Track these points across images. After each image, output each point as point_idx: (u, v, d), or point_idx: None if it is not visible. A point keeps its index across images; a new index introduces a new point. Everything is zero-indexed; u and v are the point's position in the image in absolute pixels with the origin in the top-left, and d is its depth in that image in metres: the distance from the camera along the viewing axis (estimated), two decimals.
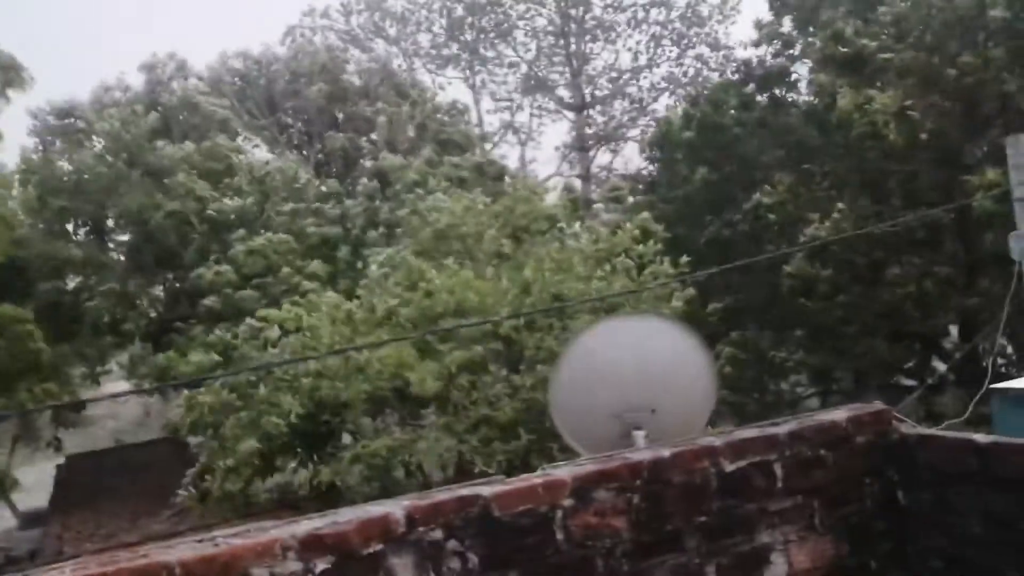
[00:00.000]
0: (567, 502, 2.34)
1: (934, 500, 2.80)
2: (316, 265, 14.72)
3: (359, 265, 14.28)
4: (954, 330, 14.41)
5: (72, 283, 20.88)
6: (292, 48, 27.35)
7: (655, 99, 33.16)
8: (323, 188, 20.95)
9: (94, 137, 21.92)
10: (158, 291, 22.43)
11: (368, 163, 22.51)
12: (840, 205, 12.76)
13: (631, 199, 20.99)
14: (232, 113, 23.98)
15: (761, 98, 15.21)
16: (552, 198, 20.67)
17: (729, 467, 2.59)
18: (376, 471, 8.90)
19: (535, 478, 2.36)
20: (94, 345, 20.53)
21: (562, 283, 9.33)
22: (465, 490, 2.26)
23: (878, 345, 12.46)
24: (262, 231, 18.21)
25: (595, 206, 27.05)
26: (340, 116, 25.60)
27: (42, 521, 19.46)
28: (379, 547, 2.09)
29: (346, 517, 2.12)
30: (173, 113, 23.04)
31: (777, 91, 15.49)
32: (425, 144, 22.56)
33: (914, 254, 12.23)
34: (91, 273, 20.67)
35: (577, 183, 31.68)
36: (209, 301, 17.02)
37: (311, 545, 2.02)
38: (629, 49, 33.80)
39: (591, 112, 34.21)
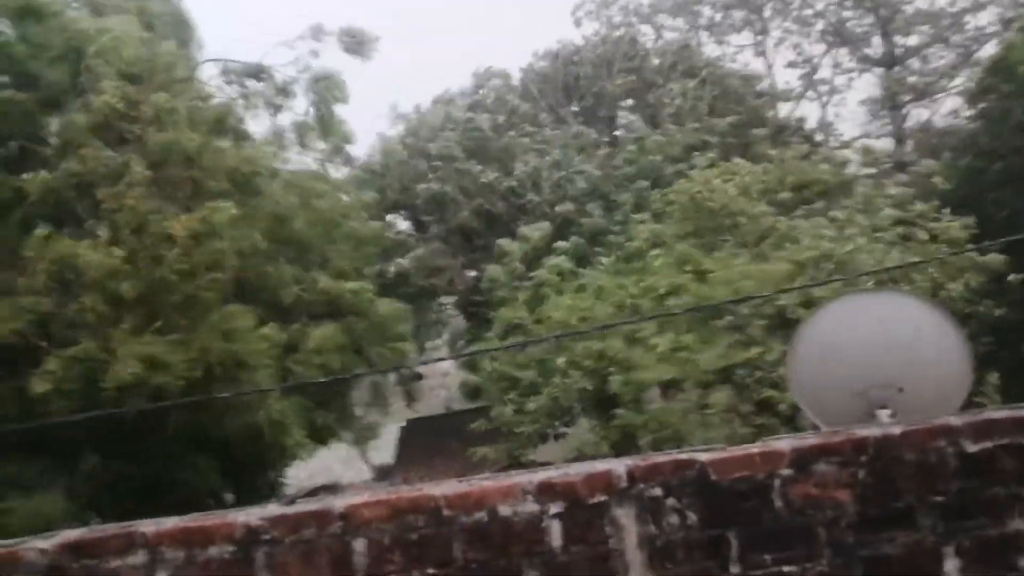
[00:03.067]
0: (785, 471, 2.45)
1: None
2: (561, 261, 15.14)
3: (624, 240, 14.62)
4: None
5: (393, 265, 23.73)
6: (592, 40, 28.24)
7: (982, 46, 28.92)
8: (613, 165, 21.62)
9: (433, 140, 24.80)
10: (464, 270, 24.84)
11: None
12: None
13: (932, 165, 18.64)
14: (539, 109, 25.56)
15: None
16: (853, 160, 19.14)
17: (972, 448, 2.49)
18: (665, 444, 9.16)
19: (752, 447, 2.50)
20: (419, 319, 23.43)
21: (846, 254, 8.77)
22: (683, 454, 2.48)
23: None
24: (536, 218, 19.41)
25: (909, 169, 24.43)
26: (632, 102, 26.04)
27: (390, 474, 22.84)
28: (603, 498, 2.40)
29: (576, 470, 2.47)
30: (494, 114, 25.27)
31: None
32: (717, 123, 22.16)
33: None
34: (409, 253, 23.44)
35: (884, 143, 28.82)
36: (493, 269, 18.52)
37: (545, 490, 2.40)
38: None
39: (903, 65, 30.81)
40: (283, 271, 11.94)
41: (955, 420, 2.51)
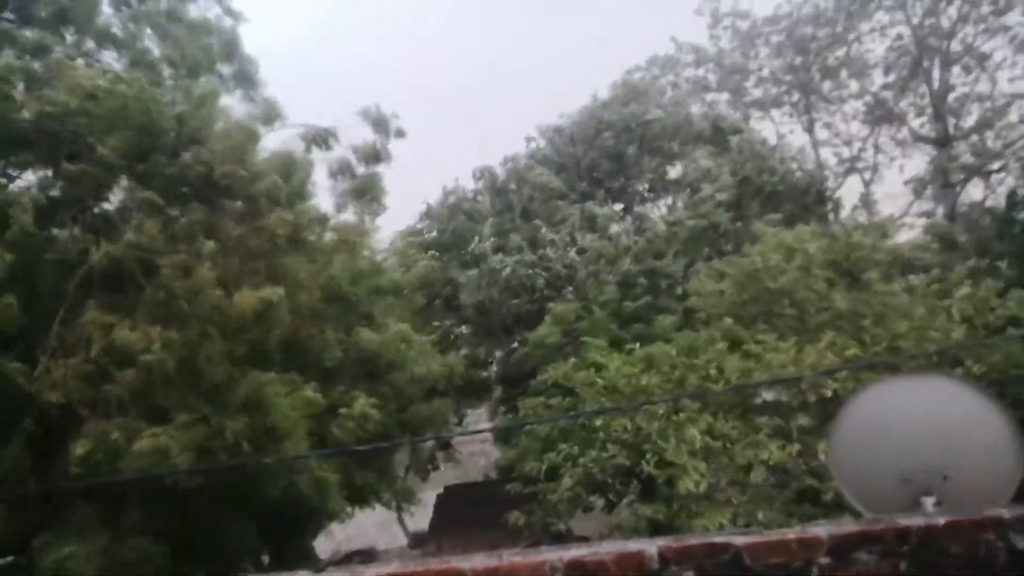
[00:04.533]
0: (823, 560, 2.38)
1: None
2: (601, 336, 15.12)
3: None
4: None
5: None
6: (613, 108, 28.57)
7: None
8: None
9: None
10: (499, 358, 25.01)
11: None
12: None
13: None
14: (559, 181, 25.81)
15: None
16: (903, 237, 18.83)
17: (1022, 544, 2.39)
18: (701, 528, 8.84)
19: (789, 533, 2.44)
20: (460, 398, 23.54)
21: (899, 336, 8.52)
22: (718, 537, 2.43)
23: None
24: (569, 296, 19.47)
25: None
26: (652, 173, 26.08)
27: (425, 541, 22.51)
28: None
29: (607, 549, 2.43)
30: (512, 191, 25.58)
31: None
32: (746, 195, 22.16)
33: None
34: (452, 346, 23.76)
35: (939, 222, 28.37)
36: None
37: (575, 569, 2.37)
38: (1008, 68, 29.76)
39: (955, 146, 30.56)
40: (328, 332, 12.12)
41: (1005, 512, 2.42)
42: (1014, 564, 2.37)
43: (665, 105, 28.02)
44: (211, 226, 9.53)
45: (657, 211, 25.81)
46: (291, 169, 11.42)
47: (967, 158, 29.97)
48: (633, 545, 2.42)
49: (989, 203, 29.74)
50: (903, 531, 2.41)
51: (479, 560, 2.44)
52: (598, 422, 9.51)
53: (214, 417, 8.84)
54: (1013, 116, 30.41)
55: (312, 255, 11.79)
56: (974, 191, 30.90)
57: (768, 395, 9.44)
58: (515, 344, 23.50)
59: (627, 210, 25.61)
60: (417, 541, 24.27)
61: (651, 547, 2.39)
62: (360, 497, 14.77)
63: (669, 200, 25.88)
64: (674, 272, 18.03)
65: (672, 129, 25.57)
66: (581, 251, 21.24)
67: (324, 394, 10.86)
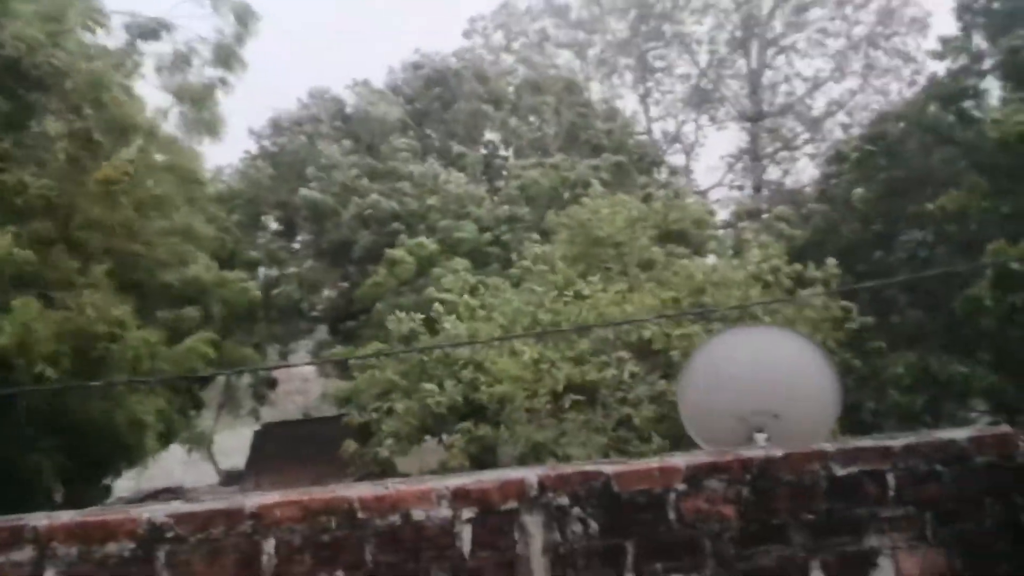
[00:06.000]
0: (680, 486, 2.65)
1: None
2: (459, 262, 15.44)
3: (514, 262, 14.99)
4: None
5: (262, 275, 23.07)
6: (462, 53, 28.45)
7: (833, 114, 31.85)
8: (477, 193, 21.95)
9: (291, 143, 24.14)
10: (338, 283, 24.40)
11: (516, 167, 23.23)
12: None
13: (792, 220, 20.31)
14: (404, 116, 25.41)
15: (946, 116, 14.32)
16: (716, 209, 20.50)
17: (840, 472, 2.79)
18: (529, 456, 9.42)
19: (653, 462, 2.69)
20: (285, 327, 22.80)
21: (713, 293, 9.45)
22: (590, 466, 2.63)
23: None
24: (422, 233, 19.49)
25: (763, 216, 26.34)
26: (488, 124, 26.37)
27: (239, 480, 21.90)
28: (514, 505, 2.50)
29: (489, 477, 2.56)
30: (355, 121, 24.88)
31: (964, 105, 14.52)
32: (576, 146, 23.03)
33: None
34: (279, 264, 22.87)
35: (742, 194, 31.04)
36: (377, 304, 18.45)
37: (460, 496, 2.47)
38: (808, 57, 32.71)
39: (765, 123, 33.34)
40: (157, 253, 11.38)
41: (828, 447, 2.80)
42: (833, 489, 2.76)
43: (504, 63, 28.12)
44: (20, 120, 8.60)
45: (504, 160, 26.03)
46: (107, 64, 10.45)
47: (776, 135, 32.73)
48: (513, 473, 2.57)
49: (788, 180, 32.84)
50: (747, 462, 2.72)
51: (365, 489, 2.48)
52: (435, 359, 9.73)
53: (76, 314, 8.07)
54: (810, 103, 33.54)
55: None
56: (775, 171, 33.94)
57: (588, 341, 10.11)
58: (349, 281, 23.00)
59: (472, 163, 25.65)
60: (231, 479, 23.49)
61: (531, 475, 2.55)
62: (169, 434, 14.17)
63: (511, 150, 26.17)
64: (530, 220, 18.45)
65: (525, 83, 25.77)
66: (434, 191, 21.10)
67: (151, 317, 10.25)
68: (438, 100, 25.84)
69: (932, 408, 14.25)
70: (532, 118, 25.01)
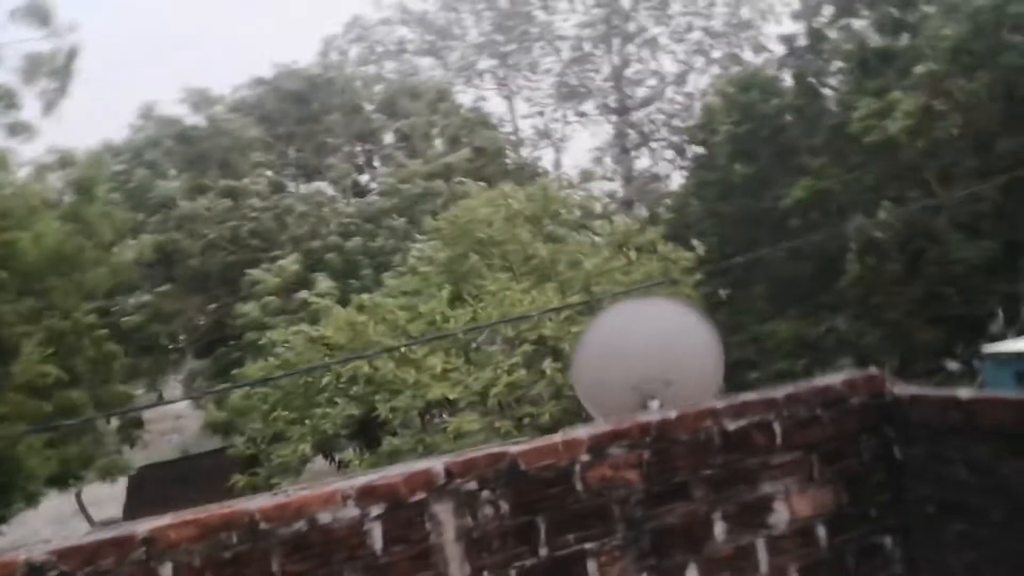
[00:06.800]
0: (584, 457, 2.69)
1: (926, 453, 3.08)
2: (324, 284, 15.22)
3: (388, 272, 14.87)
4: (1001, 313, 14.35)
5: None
6: (321, 67, 27.96)
7: (696, 101, 33.41)
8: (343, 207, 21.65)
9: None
10: (204, 308, 23.37)
11: (387, 177, 23.06)
12: (885, 202, 12.80)
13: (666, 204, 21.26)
14: (260, 132, 24.65)
15: (793, 85, 15.34)
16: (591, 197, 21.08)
17: (731, 426, 2.92)
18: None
19: (556, 437, 2.72)
20: (150, 361, 21.65)
21: (596, 280, 9.69)
22: (495, 448, 2.63)
23: (923, 330, 12.52)
24: (286, 252, 19.05)
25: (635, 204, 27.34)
26: (357, 138, 26.03)
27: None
28: (423, 495, 2.48)
29: (395, 471, 2.51)
30: (204, 140, 23.87)
31: (811, 80, 15.63)
32: (454, 153, 23.14)
33: (955, 239, 12.27)
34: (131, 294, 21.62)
35: (611, 186, 32.08)
36: (245, 308, 17.86)
37: (366, 494, 2.42)
38: (671, 52, 34.19)
39: (631, 116, 34.56)
40: (4, 307, 10.47)
41: (718, 404, 2.93)
42: (726, 443, 2.89)
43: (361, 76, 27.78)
44: None
45: (367, 172, 25.74)
46: None
47: (641, 128, 33.97)
48: (419, 465, 2.54)
49: (655, 169, 34.17)
50: (645, 426, 2.80)
51: (265, 499, 2.39)
52: (324, 379, 9.48)
53: None
54: (670, 94, 35.06)
55: None
56: (644, 161, 35.26)
57: (482, 339, 10.16)
58: (215, 304, 22.05)
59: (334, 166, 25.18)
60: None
61: (437, 464, 2.52)
62: (66, 476, 13.22)
63: (377, 162, 25.92)
64: (397, 229, 18.28)
65: (391, 93, 25.53)
66: (289, 208, 20.55)
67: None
68: (299, 114, 25.23)
69: (809, 371, 15.20)
70: (404, 124, 24.84)
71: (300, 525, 2.34)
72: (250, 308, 17.98)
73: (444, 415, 10.00)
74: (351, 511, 2.39)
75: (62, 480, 12.69)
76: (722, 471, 2.87)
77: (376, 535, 2.41)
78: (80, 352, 13.47)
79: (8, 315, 10.52)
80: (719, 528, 2.83)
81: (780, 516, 2.93)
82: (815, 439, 3.04)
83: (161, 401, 21.66)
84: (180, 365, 25.88)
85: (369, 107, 26.31)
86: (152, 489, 20.59)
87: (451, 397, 8.47)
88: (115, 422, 21.71)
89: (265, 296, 18.50)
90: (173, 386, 27.55)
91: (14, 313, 10.64)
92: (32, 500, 11.39)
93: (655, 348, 3.40)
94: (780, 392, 3.05)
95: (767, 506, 2.93)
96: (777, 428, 2.98)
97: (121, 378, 18.42)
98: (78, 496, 19.81)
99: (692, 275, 10.41)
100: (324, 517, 2.37)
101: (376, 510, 2.42)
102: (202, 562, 2.25)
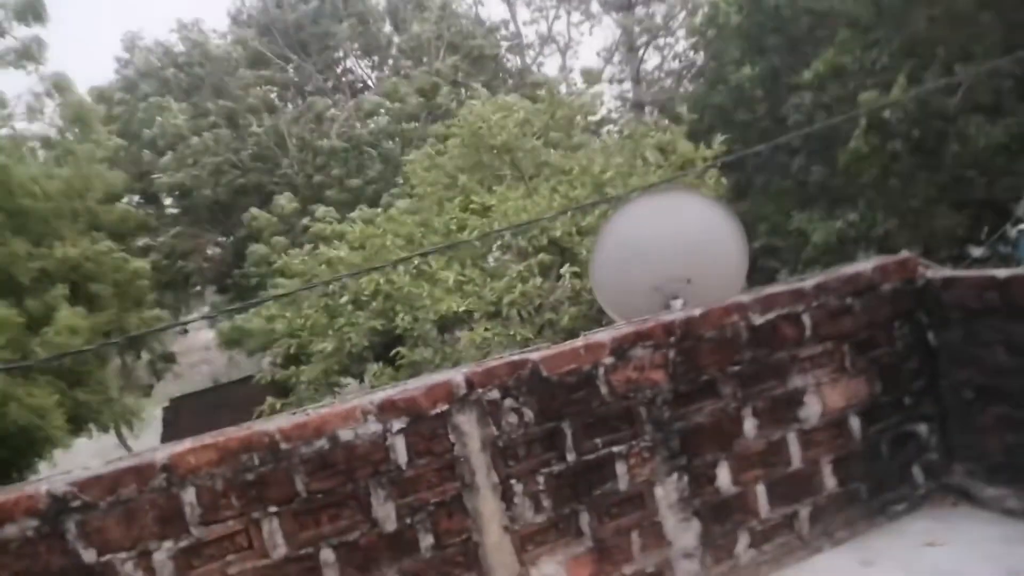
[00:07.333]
0: (608, 360, 2.61)
1: (962, 337, 2.97)
2: (322, 211, 14.98)
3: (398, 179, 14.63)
4: None
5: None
6: None
7: None
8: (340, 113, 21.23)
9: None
10: (219, 239, 23.41)
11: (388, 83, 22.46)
12: (901, 79, 12.26)
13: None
14: (262, 46, 23.94)
15: None
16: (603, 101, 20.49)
17: (759, 320, 2.81)
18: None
19: (577, 342, 2.63)
20: (175, 296, 21.84)
21: (608, 183, 9.45)
22: (516, 356, 2.55)
23: (944, 216, 12.21)
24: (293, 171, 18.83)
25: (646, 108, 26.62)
26: (358, 45, 25.22)
27: None
28: (444, 407, 2.41)
29: (415, 385, 2.45)
30: (200, 65, 23.28)
31: None
32: (455, 60, 22.44)
33: (976, 120, 11.80)
34: (152, 233, 21.64)
35: (622, 87, 31.14)
36: (256, 248, 17.86)
37: (387, 409, 2.36)
38: None
39: (637, 11, 33.19)
40: (15, 245, 10.39)
41: (745, 298, 2.81)
42: (754, 338, 2.79)
43: None
44: None
45: (370, 81, 25.07)
46: None
47: (648, 26, 32.68)
48: (439, 377, 2.47)
49: (665, 66, 33.04)
50: (669, 325, 2.71)
51: (284, 419, 2.33)
52: (343, 299, 9.44)
53: None
54: None
55: None
56: (655, 57, 33.98)
57: (496, 248, 10.02)
58: (230, 236, 22.06)
59: (337, 84, 24.62)
60: None
61: (457, 375, 2.45)
62: (80, 420, 13.42)
63: (384, 71, 25.18)
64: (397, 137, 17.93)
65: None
66: (292, 124, 20.18)
67: (20, 311, 9.47)
68: (299, 24, 24.45)
69: (832, 264, 14.92)
70: (411, 32, 24.02)
71: (322, 443, 2.29)
72: (258, 247, 17.96)
73: (462, 328, 9.95)
74: (372, 426, 2.34)
75: (80, 424, 12.86)
76: (751, 367, 2.78)
77: (399, 449, 2.36)
78: (101, 278, 13.25)
79: (14, 255, 10.47)
80: (749, 424, 2.77)
81: (812, 409, 2.86)
82: (846, 329, 2.93)
83: (182, 321, 21.86)
84: (202, 299, 26.09)
85: (374, 21, 25.43)
86: (187, 418, 21.13)
87: (466, 309, 8.40)
88: (146, 355, 22.08)
89: (266, 234, 18.46)
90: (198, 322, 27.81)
91: (19, 253, 10.58)
92: (57, 445, 11.58)
93: (676, 244, 3.27)
94: (808, 282, 2.93)
95: (798, 400, 2.86)
96: (806, 320, 2.88)
97: (149, 304, 18.40)
98: (118, 430, 20.36)
99: (709, 171, 10.10)
100: (345, 434, 2.32)
101: (398, 424, 2.36)
102: (225, 485, 2.21)
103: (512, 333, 8.30)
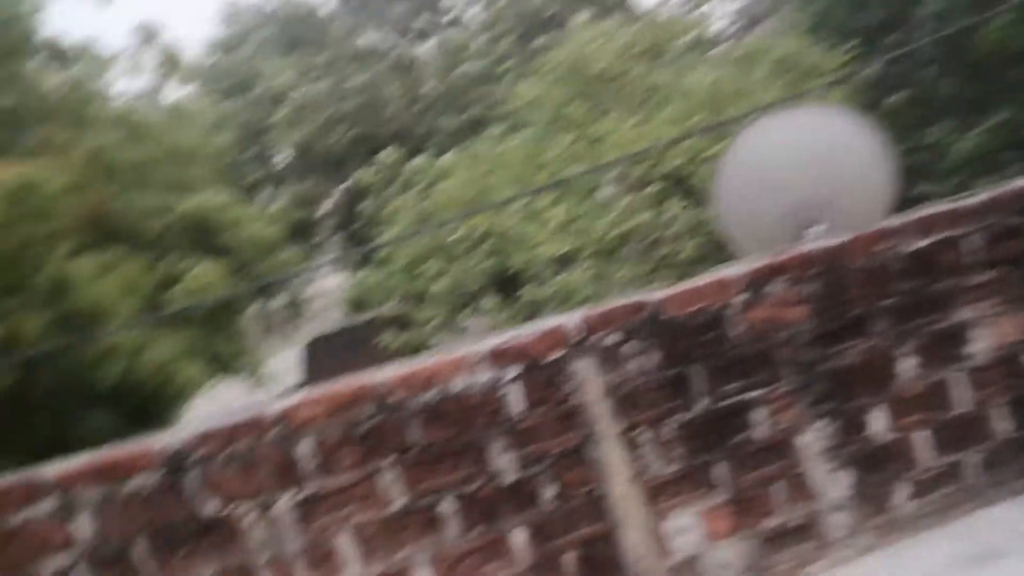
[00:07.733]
0: (739, 298, 2.36)
1: None
2: (422, 160, 14.79)
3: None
4: None
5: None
6: None
7: None
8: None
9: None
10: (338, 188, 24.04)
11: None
12: None
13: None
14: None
15: None
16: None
17: (914, 246, 2.47)
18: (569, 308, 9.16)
19: (701, 279, 2.39)
20: (302, 248, 22.75)
21: (726, 102, 8.85)
22: (634, 297, 2.34)
23: None
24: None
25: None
26: None
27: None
28: (559, 354, 2.24)
29: (527, 330, 2.29)
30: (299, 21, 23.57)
31: None
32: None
33: None
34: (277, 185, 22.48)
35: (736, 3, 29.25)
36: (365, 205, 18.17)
37: (498, 357, 2.22)
38: None
39: None
40: (144, 200, 10.96)
41: (895, 221, 2.47)
42: (909, 266, 2.46)
43: None
44: None
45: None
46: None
47: None
48: (553, 321, 2.30)
49: None
50: (808, 256, 2.41)
51: (390, 371, 2.23)
52: (454, 236, 9.42)
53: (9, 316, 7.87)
54: None
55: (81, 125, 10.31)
56: None
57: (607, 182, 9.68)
58: (346, 181, 22.59)
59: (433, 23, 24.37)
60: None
61: (570, 320, 2.27)
62: (220, 365, 14.21)
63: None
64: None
65: None
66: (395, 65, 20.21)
67: (152, 268, 10.01)
68: None
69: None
70: None
71: (432, 394, 2.18)
72: (367, 204, 18.32)
73: (574, 268, 9.71)
74: (483, 376, 2.20)
75: (223, 369, 13.53)
76: (906, 299, 2.46)
77: (514, 398, 2.22)
78: (223, 229, 13.61)
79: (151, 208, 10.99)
80: (906, 364, 2.46)
81: (980, 345, 2.51)
82: (1017, 252, 2.54)
83: (313, 265, 22.77)
84: (329, 246, 27.05)
85: None
86: (323, 356, 22.26)
87: (573, 248, 8.17)
88: (281, 300, 23.24)
89: (375, 188, 18.77)
90: (324, 269, 29.02)
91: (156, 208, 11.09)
92: (197, 388, 12.24)
93: (812, 165, 2.91)
94: (972, 200, 2.55)
95: (963, 335, 2.51)
96: (972, 243, 2.51)
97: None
98: (253, 374, 21.61)
99: (831, 87, 9.25)
100: (457, 384, 2.20)
101: (511, 372, 2.22)
102: (338, 437, 2.15)
103: (624, 272, 8.01)
